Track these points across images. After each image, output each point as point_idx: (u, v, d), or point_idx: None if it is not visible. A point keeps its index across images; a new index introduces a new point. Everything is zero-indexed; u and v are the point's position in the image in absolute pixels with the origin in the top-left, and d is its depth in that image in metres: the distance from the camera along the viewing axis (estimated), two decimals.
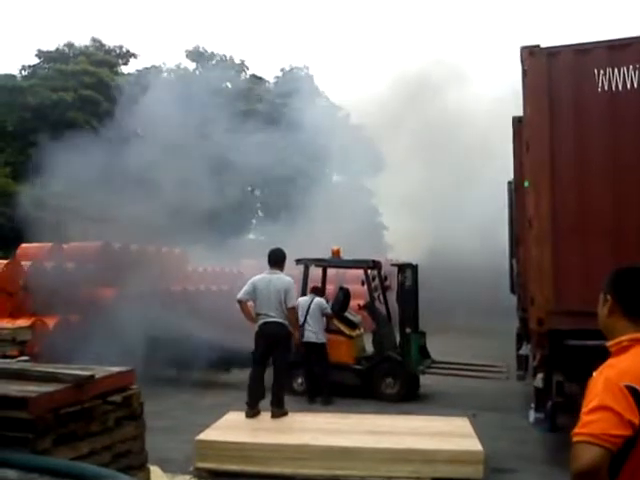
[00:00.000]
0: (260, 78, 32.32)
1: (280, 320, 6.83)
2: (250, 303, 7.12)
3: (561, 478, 5.14)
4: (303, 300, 9.39)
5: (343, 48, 58.09)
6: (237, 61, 31.88)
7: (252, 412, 6.67)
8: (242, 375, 11.04)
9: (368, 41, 57.11)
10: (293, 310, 7.00)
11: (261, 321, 6.87)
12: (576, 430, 1.81)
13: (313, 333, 9.02)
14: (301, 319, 9.14)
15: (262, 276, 7.03)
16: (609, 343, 2.03)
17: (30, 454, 3.41)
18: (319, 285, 10.09)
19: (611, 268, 2.19)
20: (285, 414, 6.76)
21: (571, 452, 1.79)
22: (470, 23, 54.33)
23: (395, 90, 29.37)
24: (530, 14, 53.19)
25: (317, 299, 9.42)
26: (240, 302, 7.04)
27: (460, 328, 17.91)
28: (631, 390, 1.79)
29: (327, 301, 9.82)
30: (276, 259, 7.09)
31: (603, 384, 1.84)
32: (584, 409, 1.84)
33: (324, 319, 9.42)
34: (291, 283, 6.99)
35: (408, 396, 9.18)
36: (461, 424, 6.39)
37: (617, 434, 1.75)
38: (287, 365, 7.34)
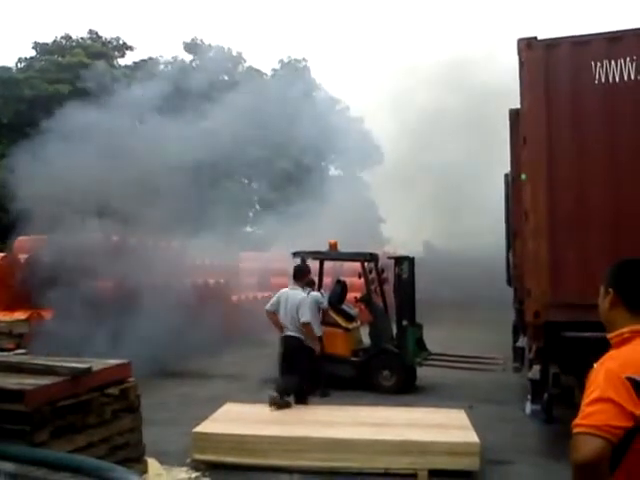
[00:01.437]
0: (258, 70, 32.21)
1: (295, 334, 7.24)
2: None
3: (557, 469, 5.20)
4: None
5: (341, 40, 57.92)
6: (234, 53, 31.78)
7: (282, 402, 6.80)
8: (241, 367, 11.10)
9: (366, 33, 56.99)
10: (307, 326, 7.29)
11: (283, 333, 7.39)
12: (577, 421, 1.80)
13: None
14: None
15: (285, 290, 7.53)
16: (610, 335, 2.04)
17: (28, 447, 3.41)
18: (311, 278, 10.07)
19: (607, 261, 2.19)
20: (286, 406, 6.82)
21: (572, 443, 1.79)
22: (470, 14, 54.14)
23: (396, 80, 29.40)
24: (528, 6, 53.02)
25: (312, 293, 9.43)
26: (267, 312, 7.56)
27: (457, 320, 17.95)
28: (632, 382, 1.79)
29: (322, 294, 9.82)
30: (296, 274, 7.58)
31: (604, 375, 1.84)
32: (585, 400, 1.84)
33: (320, 313, 9.41)
34: (304, 299, 7.33)
35: (405, 388, 9.20)
36: (458, 416, 6.41)
37: (618, 425, 1.75)
38: (305, 374, 7.44)
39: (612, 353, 1.96)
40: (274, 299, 7.49)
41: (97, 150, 13.00)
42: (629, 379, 1.80)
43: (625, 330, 1.98)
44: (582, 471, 1.77)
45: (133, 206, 12.64)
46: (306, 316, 7.24)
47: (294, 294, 7.35)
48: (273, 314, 7.45)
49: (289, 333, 7.29)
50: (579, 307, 5.54)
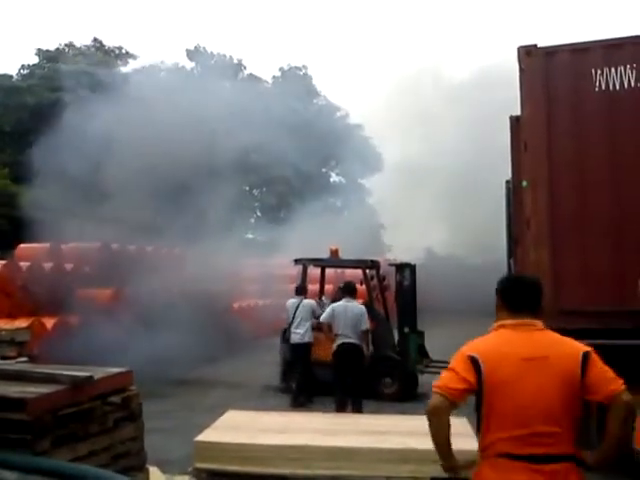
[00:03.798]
0: (258, 77, 32.28)
1: (355, 341, 7.94)
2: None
3: None
4: (291, 302, 9.45)
5: (342, 47, 58.10)
6: (235, 61, 31.85)
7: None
8: (243, 374, 11.08)
9: (367, 40, 57.16)
10: (367, 332, 8.20)
11: (339, 341, 7.94)
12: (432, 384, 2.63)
13: (300, 335, 9.06)
14: (289, 321, 9.22)
15: (339, 303, 8.25)
16: (489, 329, 2.76)
17: (29, 456, 3.41)
18: (303, 285, 10.08)
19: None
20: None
21: None
22: (468, 22, 54.30)
23: (396, 87, 29.43)
24: (527, 13, 53.20)
25: (305, 301, 9.43)
26: (321, 324, 8.42)
27: (459, 327, 17.89)
28: (470, 358, 2.58)
29: (323, 301, 9.81)
30: (350, 289, 8.38)
31: (456, 356, 2.65)
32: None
33: (313, 319, 9.35)
34: (364, 310, 8.21)
35: (407, 395, 9.18)
36: (459, 423, 6.36)
37: (454, 387, 2.59)
38: (361, 378, 8.06)
39: (469, 342, 2.69)
40: (328, 312, 8.18)
41: (97, 150, 13.00)
42: (469, 356, 2.59)
43: (495, 324, 2.74)
44: (428, 418, 2.65)
45: (134, 212, 12.66)
46: (367, 324, 8.08)
47: (353, 306, 8.13)
48: (328, 325, 8.15)
49: (349, 340, 7.90)
50: (581, 314, 5.54)
